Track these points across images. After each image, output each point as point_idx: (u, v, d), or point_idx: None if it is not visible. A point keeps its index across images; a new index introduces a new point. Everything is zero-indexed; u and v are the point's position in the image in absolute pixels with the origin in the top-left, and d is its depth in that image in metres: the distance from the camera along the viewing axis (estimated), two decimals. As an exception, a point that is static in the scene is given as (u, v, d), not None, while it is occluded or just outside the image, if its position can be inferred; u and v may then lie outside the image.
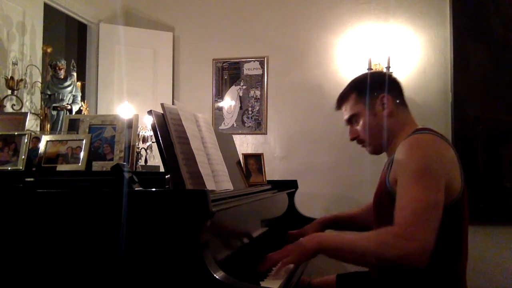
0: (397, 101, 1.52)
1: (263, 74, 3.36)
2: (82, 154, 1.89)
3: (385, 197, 1.39)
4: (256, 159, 2.34)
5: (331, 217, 1.98)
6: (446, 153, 1.35)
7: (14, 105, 2.54)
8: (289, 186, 2.40)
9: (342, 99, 1.61)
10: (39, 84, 2.71)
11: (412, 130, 1.45)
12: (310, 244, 1.33)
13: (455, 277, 1.38)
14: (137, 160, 2.35)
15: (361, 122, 1.54)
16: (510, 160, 2.91)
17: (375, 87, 1.52)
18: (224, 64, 3.43)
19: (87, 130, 1.99)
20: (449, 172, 1.32)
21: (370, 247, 1.25)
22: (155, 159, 2.63)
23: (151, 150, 2.66)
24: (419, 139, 1.38)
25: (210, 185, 1.41)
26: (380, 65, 3.05)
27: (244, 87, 3.40)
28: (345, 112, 1.60)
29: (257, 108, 3.37)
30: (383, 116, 1.50)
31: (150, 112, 1.37)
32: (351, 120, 1.58)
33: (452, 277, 1.38)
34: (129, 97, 3.09)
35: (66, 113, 2.48)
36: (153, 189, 1.15)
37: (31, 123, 2.57)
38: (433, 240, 1.19)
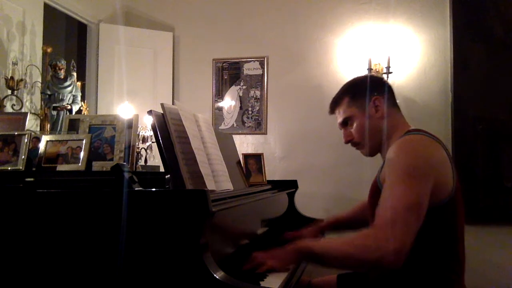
0: (389, 103, 1.55)
1: (263, 74, 3.36)
2: (82, 154, 1.89)
3: (377, 196, 1.40)
4: (256, 159, 2.34)
5: (326, 223, 2.02)
6: (435, 153, 1.37)
7: (14, 105, 2.54)
8: (289, 186, 2.40)
9: (335, 103, 1.63)
10: (39, 84, 2.71)
11: (404, 131, 1.47)
12: (293, 251, 1.39)
13: (453, 275, 1.38)
14: (137, 160, 2.35)
15: (354, 125, 1.56)
16: (510, 160, 2.91)
17: (368, 90, 1.55)
18: (224, 64, 3.43)
19: (87, 130, 1.99)
20: (438, 172, 1.33)
21: (349, 250, 1.28)
22: (155, 159, 2.63)
23: (151, 150, 2.65)
24: (408, 140, 1.40)
25: (210, 185, 1.41)
26: (380, 65, 3.05)
27: (244, 87, 3.40)
28: (339, 116, 1.62)
29: (257, 108, 3.37)
30: (376, 118, 1.52)
31: (150, 112, 1.37)
32: (345, 123, 1.60)
33: (450, 276, 1.38)
34: (129, 97, 3.08)
35: (66, 113, 2.48)
36: (153, 189, 1.15)
37: (31, 123, 2.57)
38: (409, 242, 1.21)
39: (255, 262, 1.39)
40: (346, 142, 1.62)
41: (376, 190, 1.43)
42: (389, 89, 1.59)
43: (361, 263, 1.29)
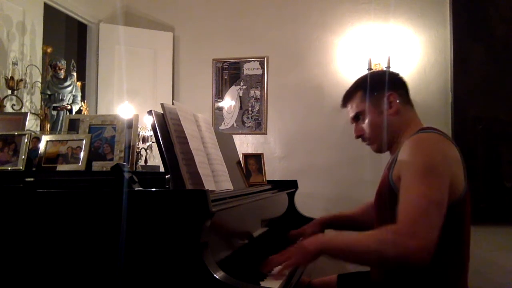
0: (403, 99, 1.53)
1: (263, 74, 3.36)
2: (82, 154, 1.89)
3: (387, 194, 1.39)
4: (256, 159, 2.34)
5: (329, 217, 1.99)
6: (450, 152, 1.36)
7: (14, 105, 2.54)
8: (289, 186, 2.40)
9: (348, 97, 1.61)
10: (39, 84, 2.71)
11: (417, 129, 1.45)
12: (313, 246, 1.33)
13: (457, 276, 1.38)
14: (137, 160, 2.35)
15: (366, 120, 1.54)
16: (510, 160, 2.91)
17: (381, 86, 1.52)
18: (224, 64, 3.43)
19: (87, 130, 1.99)
20: (453, 171, 1.32)
21: (372, 246, 1.24)
22: (155, 159, 2.63)
23: (151, 150, 2.65)
24: (424, 138, 1.38)
25: (209, 186, 1.41)
26: (380, 65, 3.04)
27: (244, 87, 3.40)
28: (351, 110, 1.60)
29: (257, 108, 3.37)
30: (389, 115, 1.50)
31: (150, 112, 1.37)
32: (357, 118, 1.58)
33: (454, 277, 1.37)
34: (129, 97, 3.08)
35: (66, 113, 2.48)
36: (153, 189, 1.14)
37: (31, 123, 2.56)
38: (435, 239, 1.19)
39: (274, 263, 1.35)
40: (357, 137, 1.60)
41: (386, 187, 1.41)
42: (404, 85, 1.56)
43: (383, 259, 1.23)
